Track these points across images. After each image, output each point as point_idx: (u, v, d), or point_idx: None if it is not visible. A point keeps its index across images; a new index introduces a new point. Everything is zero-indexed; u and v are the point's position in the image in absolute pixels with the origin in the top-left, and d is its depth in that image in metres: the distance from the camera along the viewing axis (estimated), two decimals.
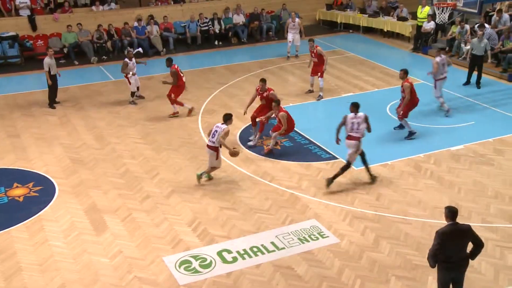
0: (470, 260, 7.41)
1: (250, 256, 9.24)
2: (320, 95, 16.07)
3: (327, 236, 9.74)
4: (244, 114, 13.65)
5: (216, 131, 11.15)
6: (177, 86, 14.88)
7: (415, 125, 13.81)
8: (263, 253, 9.31)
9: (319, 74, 15.91)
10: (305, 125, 14.26)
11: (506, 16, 18.76)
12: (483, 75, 16.96)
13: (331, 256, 9.24)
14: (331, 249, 9.41)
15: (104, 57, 20.57)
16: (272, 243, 9.59)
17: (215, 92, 17.09)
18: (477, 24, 18.79)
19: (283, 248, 9.45)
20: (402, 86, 13.15)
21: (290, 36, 20.02)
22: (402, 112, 13.19)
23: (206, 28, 22.35)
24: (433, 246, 7.22)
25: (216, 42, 22.39)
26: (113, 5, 22.43)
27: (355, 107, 11.13)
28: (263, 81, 13.45)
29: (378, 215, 10.34)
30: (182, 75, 14.98)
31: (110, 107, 15.99)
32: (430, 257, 7.29)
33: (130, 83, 15.96)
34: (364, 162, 11.31)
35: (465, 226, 7.32)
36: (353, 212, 10.47)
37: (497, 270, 8.72)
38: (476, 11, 15.22)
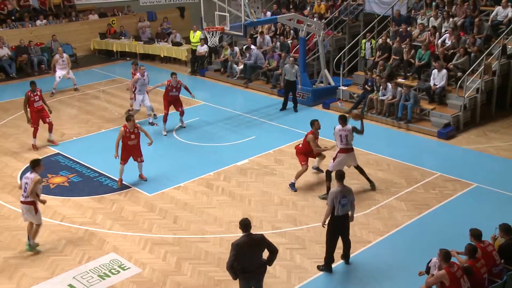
0: (267, 267, 7.85)
1: None
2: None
3: (129, 268, 9.50)
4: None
5: (26, 183, 9.75)
6: None
7: (201, 145, 14.24)
8: None
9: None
10: (92, 157, 13.81)
11: (267, 37, 20.48)
12: (257, 92, 18.16)
13: (135, 287, 9.03)
14: (133, 280, 9.20)
15: None
16: (70, 285, 9.04)
17: None
18: (245, 46, 20.20)
19: None
20: None
21: (59, 73, 18.93)
22: None
23: None
24: (229, 257, 7.57)
25: None
26: None
27: (342, 120, 11.60)
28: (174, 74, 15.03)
29: (178, 238, 10.40)
30: None
31: None
32: (228, 269, 7.62)
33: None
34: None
35: (258, 235, 7.75)
36: (152, 239, 10.38)
37: (289, 271, 9.38)
38: (242, 34, 16.30)
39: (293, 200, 11.73)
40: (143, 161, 12.56)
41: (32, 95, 14.17)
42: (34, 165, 9.88)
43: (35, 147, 14.41)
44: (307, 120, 16.33)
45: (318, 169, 12.92)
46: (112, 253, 9.92)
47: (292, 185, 12.17)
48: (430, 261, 8.15)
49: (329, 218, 9.10)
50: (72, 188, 12.39)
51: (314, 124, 12.10)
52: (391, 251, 9.93)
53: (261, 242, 7.68)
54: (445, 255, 7.59)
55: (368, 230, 10.51)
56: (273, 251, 7.74)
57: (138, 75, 15.84)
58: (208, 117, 16.47)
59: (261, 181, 12.59)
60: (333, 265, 9.37)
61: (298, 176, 12.15)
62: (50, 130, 14.69)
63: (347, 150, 11.66)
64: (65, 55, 19.08)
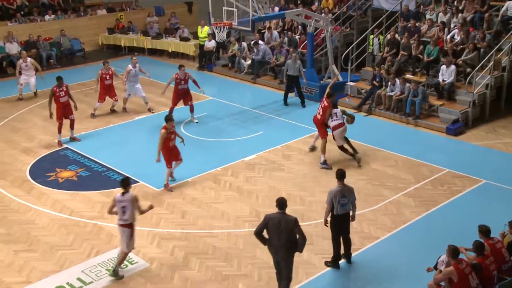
0: (296, 251, 8.16)
1: None
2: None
3: (137, 262, 9.54)
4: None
5: (124, 206, 8.80)
6: None
7: (209, 140, 14.29)
8: None
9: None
10: (100, 151, 13.86)
11: (275, 33, 20.44)
12: (265, 88, 18.15)
13: (143, 281, 9.06)
14: (141, 274, 9.24)
15: None
16: (79, 279, 9.09)
17: None
18: (253, 41, 20.18)
19: (91, 282, 9.02)
20: None
21: (23, 79, 17.79)
22: None
23: None
24: (258, 225, 8.12)
25: None
26: None
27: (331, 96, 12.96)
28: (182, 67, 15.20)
29: (185, 233, 10.43)
30: None
31: None
32: (255, 234, 8.13)
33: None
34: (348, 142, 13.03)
35: (292, 218, 8.05)
36: (160, 233, 10.41)
37: (296, 266, 9.28)
38: (250, 29, 16.30)
39: (300, 196, 11.73)
40: (182, 160, 12.16)
41: (58, 90, 14.09)
42: (126, 184, 8.94)
43: (60, 144, 14.23)
44: None
45: (313, 148, 13.75)
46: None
47: (324, 163, 12.78)
48: (439, 257, 8.13)
49: (330, 217, 9.11)
50: (81, 182, 12.45)
51: (333, 96, 13.05)
52: (399, 247, 9.91)
53: (291, 224, 7.98)
54: (454, 252, 7.57)
55: (376, 226, 10.50)
56: (302, 238, 8.04)
57: (129, 66, 16.05)
58: (216, 113, 16.48)
59: (269, 176, 12.59)
60: (340, 262, 9.37)
61: (323, 150, 12.83)
62: (72, 126, 14.51)
63: (341, 124, 12.87)
64: (29, 59, 17.83)
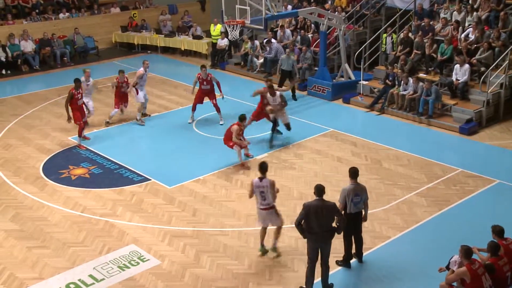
0: (335, 233, 8.44)
1: None
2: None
3: (148, 260, 9.57)
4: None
5: (262, 191, 9.17)
6: None
7: (221, 138, 14.28)
8: None
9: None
10: (113, 149, 13.93)
11: (288, 31, 20.40)
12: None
13: (154, 279, 9.09)
14: (153, 272, 9.27)
15: None
16: (91, 275, 9.14)
17: (9, 125, 15.82)
18: (265, 40, 20.15)
19: (103, 279, 9.06)
20: None
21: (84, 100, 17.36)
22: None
23: None
24: (298, 215, 8.32)
25: (3, 71, 20.74)
26: None
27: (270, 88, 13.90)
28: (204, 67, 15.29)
29: (197, 231, 10.45)
30: None
31: None
32: (296, 226, 8.34)
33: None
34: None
35: (331, 203, 8.33)
36: (171, 231, 10.44)
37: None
38: (262, 27, 16.30)
39: (312, 195, 11.63)
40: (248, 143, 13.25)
41: (76, 92, 13.95)
42: (263, 169, 9.28)
43: (82, 147, 14.11)
44: (327, 114, 16.43)
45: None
46: (132, 244, 10.00)
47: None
48: (452, 257, 8.07)
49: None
50: (93, 179, 12.52)
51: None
52: (411, 247, 9.86)
53: (331, 209, 8.25)
54: (466, 252, 7.51)
55: (388, 226, 10.45)
56: (342, 220, 8.41)
57: (141, 70, 15.69)
58: (228, 111, 16.45)
59: (280, 175, 12.57)
60: (352, 261, 9.34)
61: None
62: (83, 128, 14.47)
63: (275, 106, 13.84)
64: (91, 80, 15.58)
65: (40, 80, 20.21)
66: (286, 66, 17.37)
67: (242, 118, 12.98)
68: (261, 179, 9.20)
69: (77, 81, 14.18)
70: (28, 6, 23.71)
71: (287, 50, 17.74)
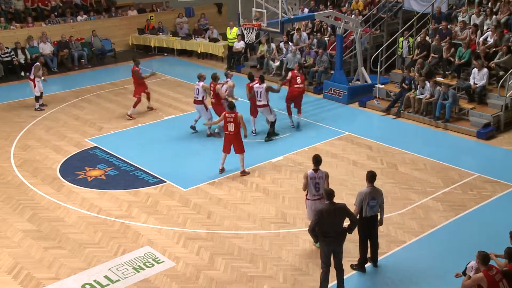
0: (347, 234, 8.47)
1: None
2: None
3: (163, 261, 9.61)
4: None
5: (317, 183, 9.53)
6: None
7: None
8: None
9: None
10: (129, 151, 14.02)
11: (304, 34, 20.39)
12: None
13: (168, 280, 9.13)
14: (167, 273, 9.30)
15: None
16: (106, 277, 9.20)
17: (27, 126, 16.00)
18: (282, 42, 20.15)
19: (118, 280, 9.11)
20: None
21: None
22: None
23: (9, 58, 20.84)
24: (311, 222, 8.36)
25: (22, 73, 20.97)
26: None
27: (260, 79, 14.49)
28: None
29: (211, 233, 10.47)
30: None
31: None
32: (310, 232, 8.40)
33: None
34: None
35: (341, 204, 8.39)
36: (186, 233, 10.47)
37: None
38: (279, 30, 16.31)
39: None
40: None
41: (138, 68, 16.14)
42: (317, 161, 9.61)
43: (131, 117, 16.22)
44: (343, 117, 16.36)
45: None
46: (147, 246, 10.05)
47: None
48: (468, 263, 7.99)
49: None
50: (109, 181, 12.60)
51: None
52: (427, 252, 9.78)
53: (343, 211, 8.33)
54: (483, 258, 7.43)
55: (403, 230, 10.37)
56: (353, 221, 8.43)
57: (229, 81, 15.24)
58: (243, 113, 16.38)
59: (296, 178, 12.55)
60: (367, 265, 9.29)
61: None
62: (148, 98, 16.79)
63: (264, 105, 14.29)
64: (201, 83, 14.77)
65: (58, 82, 20.39)
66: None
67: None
68: (315, 170, 9.53)
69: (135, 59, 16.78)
70: (47, 8, 23.97)
71: (293, 48, 17.94)
